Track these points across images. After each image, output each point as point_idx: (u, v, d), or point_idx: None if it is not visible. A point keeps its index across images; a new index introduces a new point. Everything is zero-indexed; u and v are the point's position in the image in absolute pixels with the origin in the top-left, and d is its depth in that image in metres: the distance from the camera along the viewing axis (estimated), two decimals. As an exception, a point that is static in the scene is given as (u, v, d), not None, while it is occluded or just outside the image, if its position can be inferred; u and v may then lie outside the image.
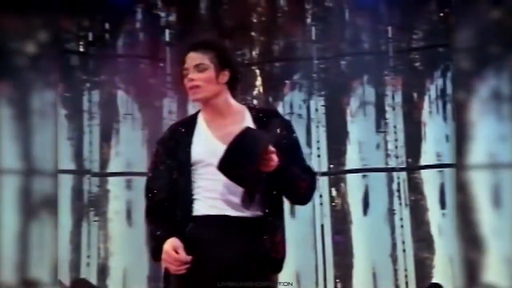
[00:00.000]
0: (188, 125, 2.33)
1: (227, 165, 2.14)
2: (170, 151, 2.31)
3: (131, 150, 6.19)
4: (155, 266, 5.97)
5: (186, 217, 2.25)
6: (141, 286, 5.91)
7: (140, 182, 6.33)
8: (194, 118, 2.35)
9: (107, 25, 6.29)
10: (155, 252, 2.29)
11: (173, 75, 6.41)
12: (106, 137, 6.18)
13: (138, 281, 5.89)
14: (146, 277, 5.92)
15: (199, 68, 2.23)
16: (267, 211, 2.23)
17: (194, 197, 2.24)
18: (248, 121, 2.28)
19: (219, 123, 2.26)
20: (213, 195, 2.23)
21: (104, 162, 6.14)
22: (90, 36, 6.22)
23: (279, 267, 2.27)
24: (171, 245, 2.20)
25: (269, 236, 2.22)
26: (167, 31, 6.34)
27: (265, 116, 2.32)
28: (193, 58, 2.27)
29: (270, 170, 2.18)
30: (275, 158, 2.19)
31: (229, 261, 2.17)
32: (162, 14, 6.38)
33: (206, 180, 2.23)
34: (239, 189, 2.21)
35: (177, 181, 2.28)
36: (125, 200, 6.10)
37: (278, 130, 2.32)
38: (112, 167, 6.16)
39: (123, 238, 6.00)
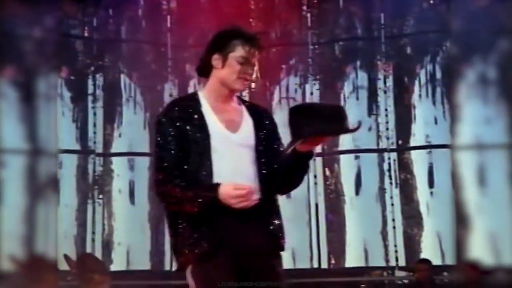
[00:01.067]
0: (193, 106, 2.31)
1: (299, 112, 2.22)
2: (182, 127, 2.26)
3: (133, 131, 6.38)
4: (156, 242, 6.22)
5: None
6: (143, 261, 6.13)
7: (142, 162, 6.62)
8: (196, 99, 2.33)
9: (110, 11, 6.46)
10: (210, 203, 2.21)
11: (174, 60, 6.61)
12: (109, 119, 6.37)
13: (141, 256, 6.11)
14: (148, 252, 6.13)
15: (254, 66, 2.30)
16: (267, 194, 2.28)
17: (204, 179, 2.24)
18: (245, 112, 2.35)
19: (224, 109, 2.30)
20: (222, 179, 2.23)
21: (107, 143, 6.34)
22: (95, 22, 6.40)
23: (283, 246, 2.32)
24: (229, 187, 2.18)
25: (275, 216, 2.29)
26: (168, 17, 6.53)
27: (255, 108, 2.42)
28: (254, 55, 2.31)
29: (312, 148, 2.29)
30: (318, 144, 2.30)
31: (246, 243, 2.22)
32: (164, 1, 6.57)
33: (215, 165, 2.24)
34: (247, 172, 2.27)
35: (191, 161, 2.25)
36: (128, 179, 6.30)
37: (271, 123, 2.40)
38: (115, 148, 6.36)
39: (126, 215, 6.21)
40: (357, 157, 6.32)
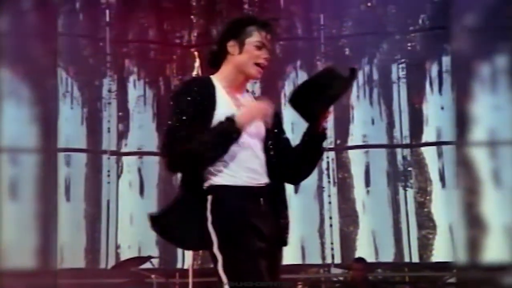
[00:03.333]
0: (208, 88, 2.25)
1: (298, 97, 2.18)
2: (197, 106, 2.20)
3: (70, 127, 6.23)
4: (92, 240, 6.11)
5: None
6: (77, 259, 6.00)
7: (79, 158, 6.42)
8: (210, 82, 2.27)
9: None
10: (233, 132, 2.15)
11: (113, 55, 6.50)
12: (45, 114, 6.21)
13: (75, 254, 5.98)
14: (83, 249, 6.02)
15: (270, 52, 2.28)
16: (277, 185, 2.23)
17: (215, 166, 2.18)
18: (252, 99, 2.31)
19: (237, 97, 2.26)
20: (233, 160, 2.18)
21: (43, 138, 6.17)
22: (30, 14, 6.25)
23: (287, 241, 2.27)
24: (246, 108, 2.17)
25: (285, 209, 2.23)
26: (107, 11, 6.43)
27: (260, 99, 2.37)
28: (270, 41, 2.29)
29: (325, 123, 2.24)
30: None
31: (264, 230, 2.15)
32: (103, -5, 6.49)
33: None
34: (261, 158, 2.22)
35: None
36: (64, 176, 6.14)
37: (279, 118, 2.36)
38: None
39: (62, 212, 6.03)
40: (296, 156, 6.37)
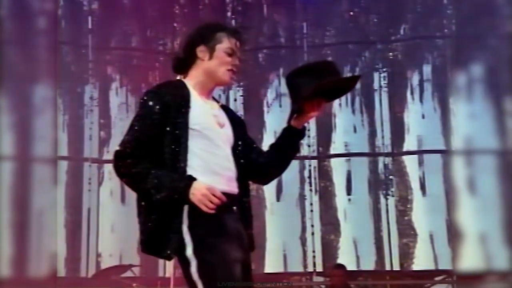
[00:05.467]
0: (181, 89, 2.23)
1: (293, 77, 2.23)
2: (168, 109, 2.17)
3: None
4: (72, 249, 6.06)
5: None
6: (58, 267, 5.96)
7: (62, 166, 6.41)
8: (183, 84, 2.25)
9: (29, 10, 6.27)
10: (181, 195, 2.09)
11: (96, 62, 6.47)
12: (26, 121, 6.17)
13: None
14: (64, 258, 5.97)
15: (239, 59, 2.29)
16: (244, 188, 2.24)
17: (188, 166, 2.15)
18: (221, 109, 2.31)
19: (208, 102, 2.26)
20: (210, 167, 2.17)
21: (23, 145, 6.13)
22: (12, 20, 6.21)
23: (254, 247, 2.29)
24: (206, 186, 2.09)
25: (251, 214, 2.26)
26: (89, 18, 6.42)
27: (226, 107, 2.39)
28: (239, 48, 2.29)
29: (313, 115, 2.26)
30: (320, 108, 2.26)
31: (240, 238, 2.17)
32: (85, 1, 6.46)
33: (203, 151, 2.17)
34: (231, 169, 2.21)
35: (170, 145, 2.16)
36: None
37: (242, 122, 2.38)
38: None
39: None
40: (278, 164, 6.37)
